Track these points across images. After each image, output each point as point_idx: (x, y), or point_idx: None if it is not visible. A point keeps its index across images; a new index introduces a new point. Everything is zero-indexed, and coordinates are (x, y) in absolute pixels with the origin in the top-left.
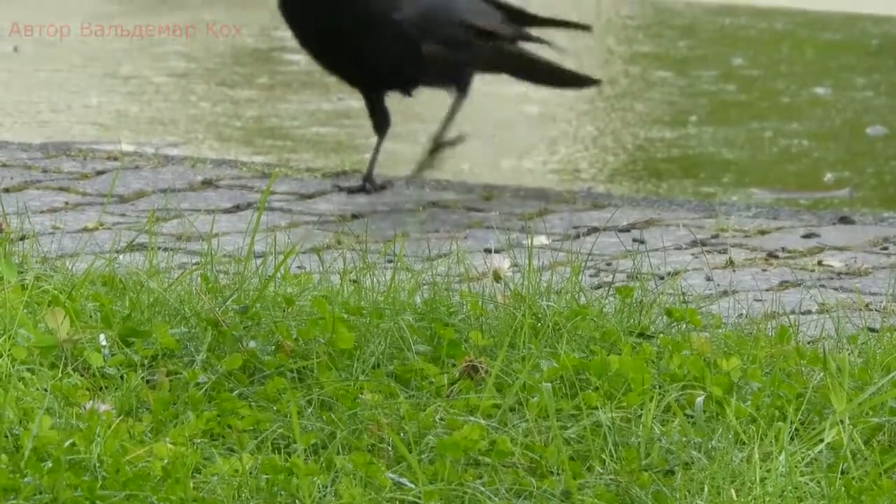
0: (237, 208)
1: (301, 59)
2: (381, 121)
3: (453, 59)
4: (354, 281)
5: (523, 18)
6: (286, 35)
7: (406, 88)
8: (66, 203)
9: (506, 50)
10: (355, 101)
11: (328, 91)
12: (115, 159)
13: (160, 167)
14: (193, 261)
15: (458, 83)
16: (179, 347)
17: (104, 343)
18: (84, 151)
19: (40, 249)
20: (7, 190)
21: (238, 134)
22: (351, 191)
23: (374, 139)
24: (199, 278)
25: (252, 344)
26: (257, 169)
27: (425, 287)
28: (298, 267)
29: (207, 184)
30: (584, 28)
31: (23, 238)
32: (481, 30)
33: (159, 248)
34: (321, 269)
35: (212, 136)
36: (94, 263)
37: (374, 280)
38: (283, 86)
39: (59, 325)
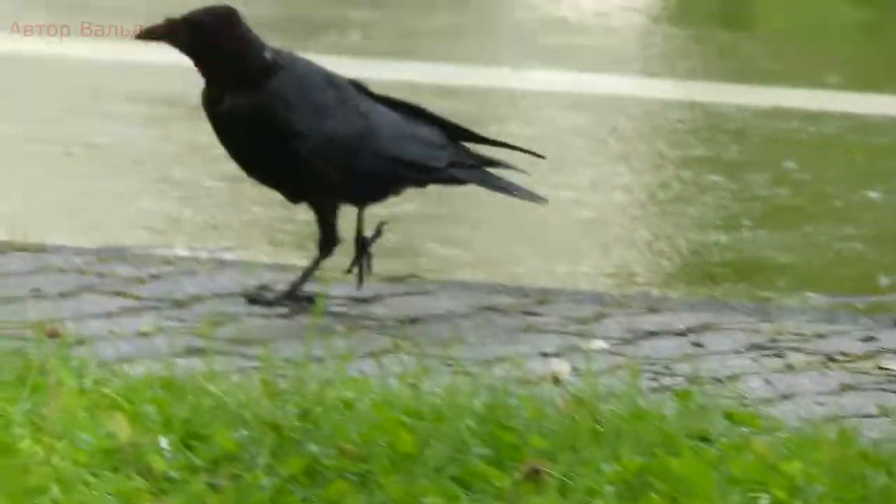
0: (294, 313)
1: None
2: (329, 237)
3: (368, 188)
4: (413, 385)
5: (471, 137)
6: None
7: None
8: (122, 307)
9: (435, 180)
10: (408, 205)
11: None
12: (170, 264)
13: (215, 271)
14: (251, 365)
15: (376, 202)
16: (241, 451)
17: (165, 446)
18: (139, 256)
19: (98, 354)
20: (63, 295)
21: (291, 238)
22: (270, 303)
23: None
24: (258, 382)
25: (312, 448)
26: (313, 274)
27: (484, 391)
28: (357, 371)
29: (263, 288)
30: (538, 156)
31: (80, 342)
32: (410, 163)
33: (217, 353)
34: (379, 372)
35: (265, 241)
36: (152, 367)
37: (433, 384)
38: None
39: (120, 428)
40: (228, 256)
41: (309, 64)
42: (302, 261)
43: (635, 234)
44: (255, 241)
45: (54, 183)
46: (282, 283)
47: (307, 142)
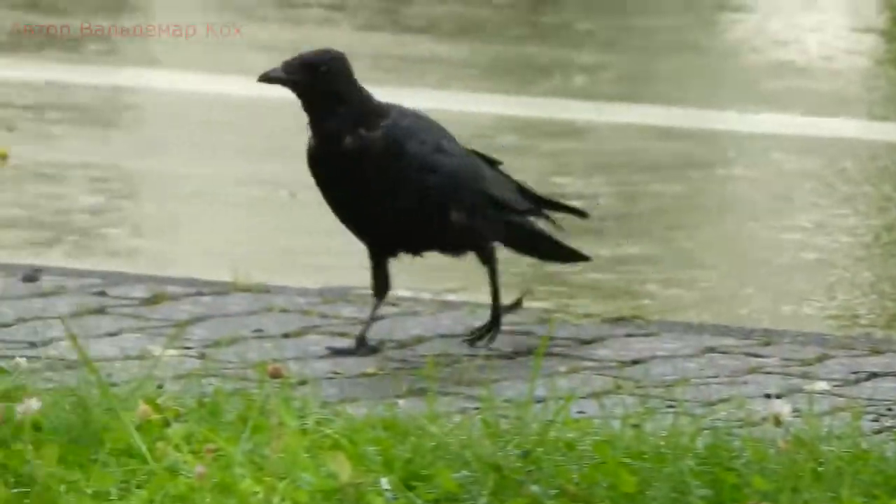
0: (516, 354)
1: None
2: (381, 284)
3: (475, 227)
4: (635, 425)
5: (532, 198)
6: (564, 181)
7: (420, 251)
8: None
9: (515, 222)
10: (633, 248)
11: (605, 237)
12: (393, 305)
13: (438, 313)
14: (474, 406)
15: (480, 253)
16: (462, 491)
17: (386, 487)
18: (362, 297)
19: (321, 394)
20: (285, 335)
21: (515, 280)
22: (340, 352)
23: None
24: (480, 423)
25: (534, 488)
26: (536, 315)
27: (706, 432)
28: (579, 412)
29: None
30: (582, 214)
31: (302, 383)
32: (499, 201)
33: (439, 393)
34: (601, 413)
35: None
36: (374, 408)
37: (655, 425)
38: (560, 232)
39: (342, 469)
40: (451, 298)
41: (412, 110)
42: (528, 303)
43: (859, 276)
44: (478, 283)
45: (277, 224)
46: (504, 324)
47: (435, 176)
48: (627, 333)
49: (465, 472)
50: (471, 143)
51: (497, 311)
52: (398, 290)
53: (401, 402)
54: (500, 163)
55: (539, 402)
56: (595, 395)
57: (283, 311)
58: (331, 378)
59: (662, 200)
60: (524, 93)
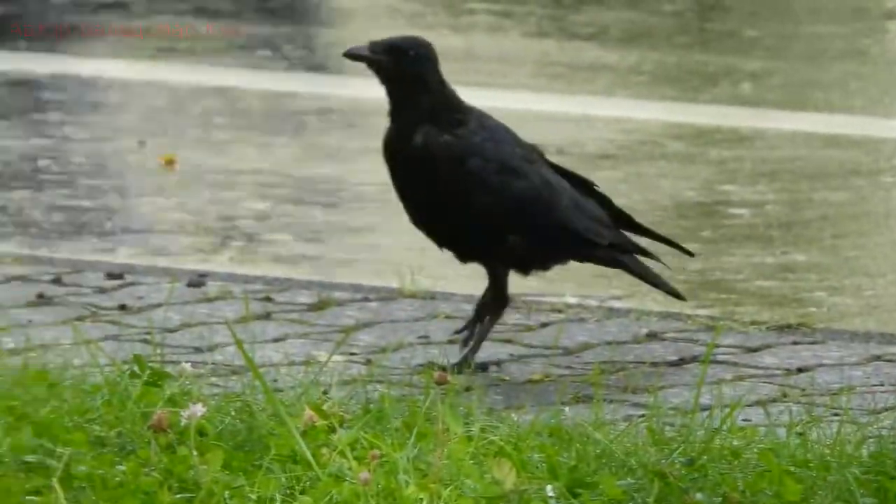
0: (682, 361)
1: (745, 213)
2: (502, 298)
3: (540, 255)
4: (801, 434)
5: (631, 226)
6: (730, 189)
7: (485, 266)
8: (511, 355)
9: (597, 256)
10: (799, 255)
11: (772, 244)
12: (560, 311)
13: (605, 320)
14: (639, 413)
15: (525, 273)
16: (626, 499)
17: (551, 494)
18: (528, 303)
19: (486, 400)
20: (452, 342)
21: (682, 287)
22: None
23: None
24: (645, 430)
25: (699, 496)
26: (702, 322)
27: (871, 440)
28: (744, 420)
29: (652, 336)
30: (687, 252)
31: (468, 389)
32: (574, 231)
33: (605, 400)
34: (767, 421)
35: (656, 290)
36: (540, 414)
37: (820, 433)
38: (726, 239)
39: (506, 475)
40: (618, 304)
41: (496, 121)
42: (694, 310)
43: None
44: (644, 290)
45: None
46: (670, 331)
47: (493, 196)
48: (794, 341)
49: (629, 480)
50: (637, 151)
51: (471, 353)
52: (566, 296)
53: (566, 408)
54: (595, 185)
55: (704, 409)
56: (760, 403)
57: (449, 317)
58: (496, 385)
59: (828, 208)
60: (691, 100)
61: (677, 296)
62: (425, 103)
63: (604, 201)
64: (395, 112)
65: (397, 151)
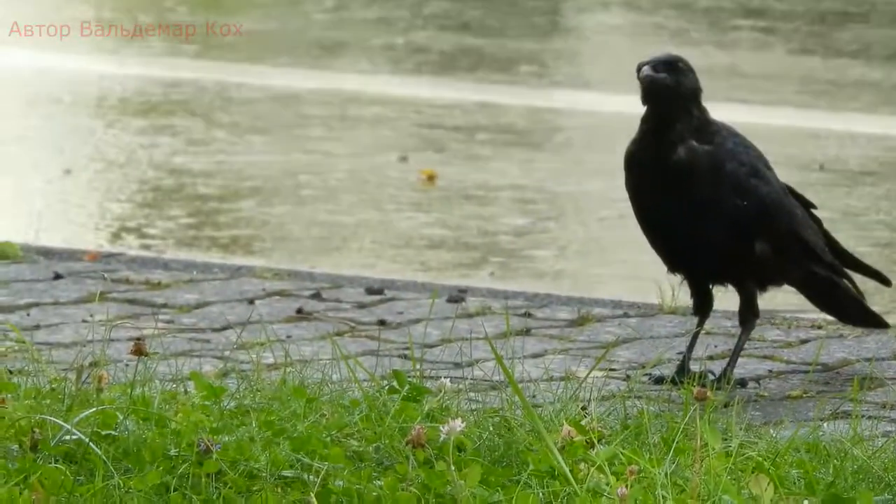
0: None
1: None
2: (700, 302)
3: (778, 265)
4: None
5: (836, 252)
6: None
7: (719, 280)
8: (770, 371)
9: (819, 272)
10: None
11: None
12: (819, 328)
13: (864, 336)
14: None
15: (762, 288)
16: None
17: None
18: (788, 320)
19: (745, 416)
20: (712, 358)
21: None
22: (658, 380)
23: None
24: None
25: None
26: None
27: None
28: None
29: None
30: (885, 282)
31: (727, 405)
32: (808, 245)
33: (863, 416)
34: None
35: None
36: (798, 430)
37: None
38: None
39: (764, 491)
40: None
41: (737, 131)
42: None
43: None
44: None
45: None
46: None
47: (746, 198)
48: None
49: (886, 495)
50: (886, 172)
51: (729, 368)
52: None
53: (824, 424)
54: (815, 207)
55: None
56: None
57: (709, 333)
58: (755, 401)
59: None
60: (842, 109)
61: (884, 325)
62: (687, 121)
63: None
64: (660, 127)
65: (654, 164)
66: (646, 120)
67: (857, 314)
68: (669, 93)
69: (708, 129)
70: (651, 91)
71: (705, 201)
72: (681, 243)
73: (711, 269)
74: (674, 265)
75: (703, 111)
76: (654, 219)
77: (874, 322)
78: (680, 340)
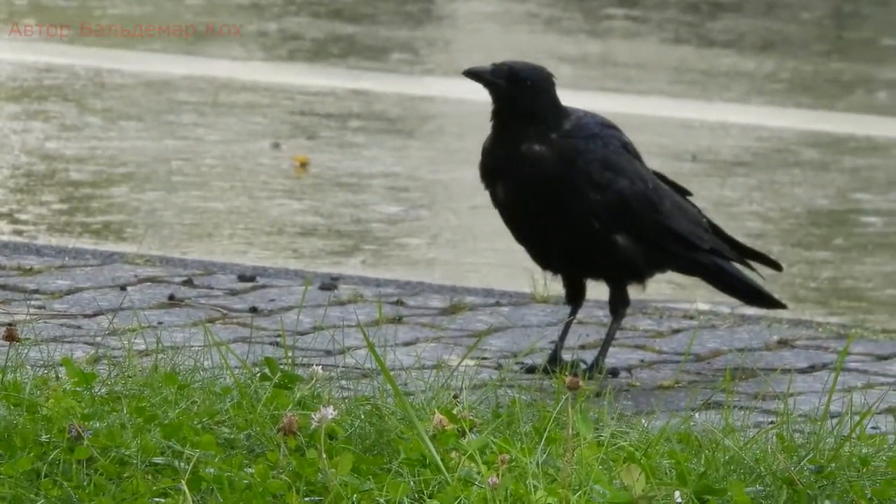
0: (812, 368)
1: (878, 222)
2: (573, 293)
3: (649, 257)
4: None
5: (726, 240)
6: (863, 197)
7: (596, 277)
8: (642, 361)
9: (702, 261)
10: None
11: None
12: (691, 318)
13: (736, 326)
14: (769, 420)
15: (640, 281)
16: None
17: (679, 500)
18: (660, 310)
19: (616, 406)
20: (583, 347)
21: (813, 295)
22: (530, 370)
23: None
24: (774, 437)
25: (827, 503)
26: (833, 329)
27: None
28: (873, 428)
29: (783, 343)
30: (777, 266)
31: (598, 394)
32: (677, 234)
33: (735, 407)
34: None
35: (787, 297)
36: (670, 421)
37: None
38: (858, 248)
39: (635, 481)
40: (749, 312)
41: (607, 127)
42: (825, 318)
43: None
44: (777, 297)
45: None
46: (801, 338)
47: (601, 193)
48: None
49: (758, 487)
50: (772, 158)
51: (601, 357)
52: (697, 303)
53: (696, 415)
54: (690, 194)
55: (834, 417)
56: (891, 411)
57: (581, 323)
58: (627, 390)
59: None
60: (826, 108)
61: (779, 305)
62: (534, 122)
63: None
64: (501, 127)
65: (502, 162)
66: (493, 118)
67: (751, 295)
68: (504, 100)
69: (557, 128)
70: (494, 95)
71: (560, 200)
72: (543, 243)
73: (579, 265)
74: (544, 262)
75: (558, 116)
76: (512, 216)
77: (769, 302)
78: (552, 329)
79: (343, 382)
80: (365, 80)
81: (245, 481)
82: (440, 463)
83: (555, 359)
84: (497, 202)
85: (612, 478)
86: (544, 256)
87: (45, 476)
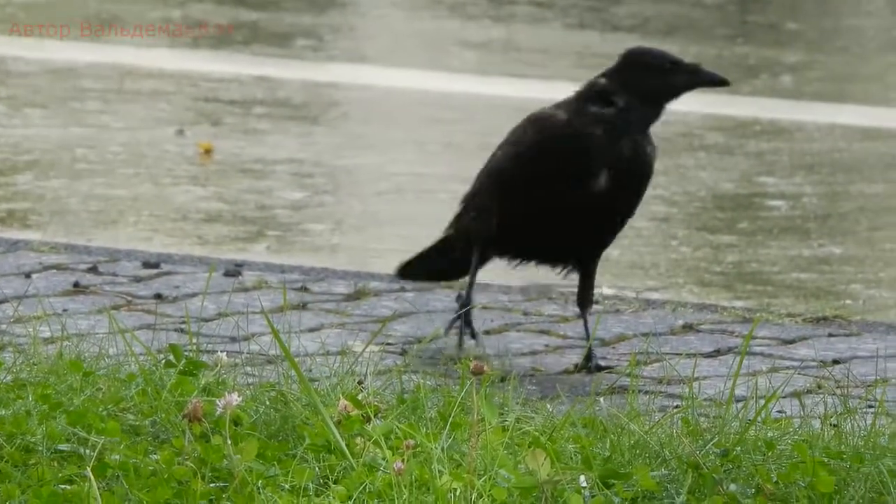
0: (717, 352)
1: (782, 205)
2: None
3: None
4: (835, 425)
5: None
6: (768, 181)
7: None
8: (547, 345)
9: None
10: (836, 248)
11: (808, 237)
12: (596, 303)
13: (641, 311)
14: (674, 404)
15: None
16: (660, 490)
17: (585, 485)
18: (566, 294)
19: (521, 391)
20: (488, 332)
21: (718, 279)
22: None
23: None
24: (679, 421)
25: (732, 487)
26: (738, 314)
27: None
28: (779, 411)
29: (688, 328)
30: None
31: (503, 380)
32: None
33: (640, 392)
34: (801, 413)
35: (692, 281)
36: (575, 406)
37: (855, 425)
38: (763, 231)
39: (540, 466)
40: (654, 296)
41: None
42: (730, 302)
43: None
44: (681, 282)
45: None
46: (706, 323)
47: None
48: (829, 333)
49: (663, 471)
50: (676, 142)
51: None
52: (602, 287)
53: (601, 399)
54: None
55: (739, 401)
56: (795, 395)
57: (486, 308)
58: (532, 375)
59: (866, 201)
60: (730, 92)
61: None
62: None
63: None
64: (625, 123)
65: (617, 158)
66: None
67: None
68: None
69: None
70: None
71: (637, 198)
72: (575, 237)
73: (584, 253)
74: (562, 260)
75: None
76: (589, 209)
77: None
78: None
79: (248, 369)
80: (269, 66)
81: (150, 468)
82: (345, 449)
83: (590, 356)
84: (578, 192)
85: (517, 463)
86: (563, 253)
87: None
